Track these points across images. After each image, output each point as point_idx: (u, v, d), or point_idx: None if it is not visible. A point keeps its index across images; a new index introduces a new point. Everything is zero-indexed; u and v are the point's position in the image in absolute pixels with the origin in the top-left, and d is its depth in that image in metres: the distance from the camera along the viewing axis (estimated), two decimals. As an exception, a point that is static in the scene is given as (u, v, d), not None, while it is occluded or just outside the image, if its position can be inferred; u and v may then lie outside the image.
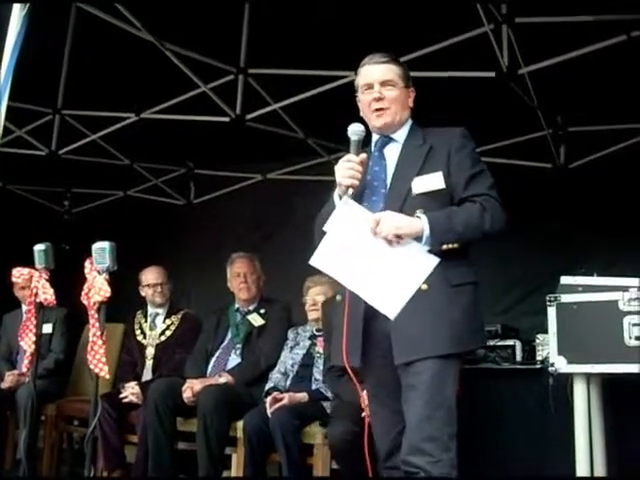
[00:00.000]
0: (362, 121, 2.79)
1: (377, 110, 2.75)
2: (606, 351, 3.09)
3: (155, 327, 5.11)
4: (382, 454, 2.81)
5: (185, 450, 4.47)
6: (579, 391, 3.21)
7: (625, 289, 3.09)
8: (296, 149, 5.76)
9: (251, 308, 4.82)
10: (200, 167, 6.57)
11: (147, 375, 4.95)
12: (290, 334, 4.58)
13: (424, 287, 2.54)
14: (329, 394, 4.15)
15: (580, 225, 5.06)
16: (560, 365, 3.17)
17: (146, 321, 5.16)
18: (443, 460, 2.50)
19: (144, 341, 5.09)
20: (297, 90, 4.75)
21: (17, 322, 4.79)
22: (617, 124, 4.92)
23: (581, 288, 3.21)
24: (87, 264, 3.46)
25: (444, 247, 2.56)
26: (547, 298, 3.24)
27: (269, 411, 4.03)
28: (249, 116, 4.89)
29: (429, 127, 2.83)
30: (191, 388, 4.38)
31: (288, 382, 4.37)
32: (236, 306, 4.86)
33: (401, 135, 2.80)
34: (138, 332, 5.15)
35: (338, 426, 3.76)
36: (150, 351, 5.03)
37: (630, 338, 3.04)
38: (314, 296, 4.45)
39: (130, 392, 4.70)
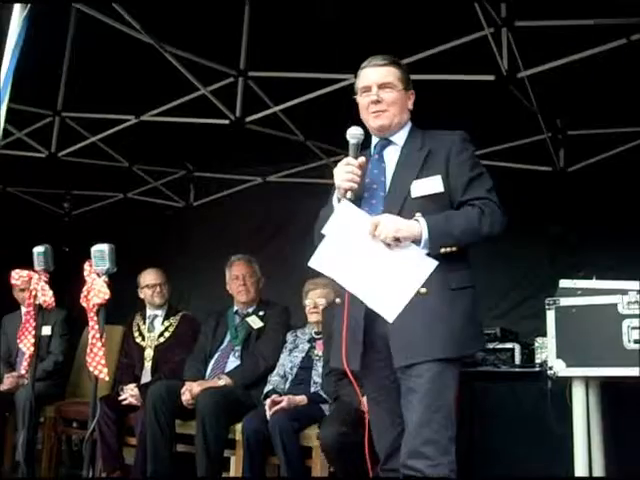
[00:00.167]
0: (362, 124, 2.79)
1: (374, 112, 2.76)
2: (605, 354, 3.08)
3: (154, 329, 5.11)
4: (381, 457, 2.81)
5: (184, 452, 4.47)
6: (578, 394, 3.20)
7: (624, 292, 3.09)
8: (296, 152, 5.77)
9: (250, 310, 4.82)
10: (200, 170, 6.58)
11: (146, 377, 4.95)
12: (289, 337, 4.58)
13: (423, 291, 2.55)
14: (328, 397, 4.15)
15: (579, 228, 5.07)
16: (559, 368, 3.17)
17: (144, 323, 5.16)
18: (442, 463, 2.50)
19: (143, 343, 5.09)
20: (297, 93, 4.76)
21: (16, 324, 4.79)
22: (616, 127, 4.93)
23: (580, 291, 3.21)
24: (86, 266, 3.45)
25: (442, 251, 2.56)
26: (546, 301, 3.23)
27: (268, 414, 4.03)
28: (249, 119, 4.90)
29: (429, 130, 2.84)
30: (190, 390, 4.38)
31: (287, 385, 4.37)
32: (235, 308, 4.86)
33: (400, 138, 2.81)
34: (137, 334, 5.15)
35: (329, 427, 3.78)
36: (149, 353, 5.03)
37: (629, 341, 3.03)
38: (315, 299, 4.44)
39: (129, 394, 4.70)
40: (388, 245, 2.54)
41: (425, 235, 2.54)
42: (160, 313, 5.17)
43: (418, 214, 2.57)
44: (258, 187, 6.44)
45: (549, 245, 5.17)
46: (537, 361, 4.39)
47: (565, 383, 3.27)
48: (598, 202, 5.06)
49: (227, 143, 5.54)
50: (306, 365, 4.38)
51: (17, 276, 4.28)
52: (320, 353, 4.35)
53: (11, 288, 5.28)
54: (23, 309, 5.14)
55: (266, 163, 6.27)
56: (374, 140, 2.85)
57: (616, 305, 3.09)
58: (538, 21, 3.98)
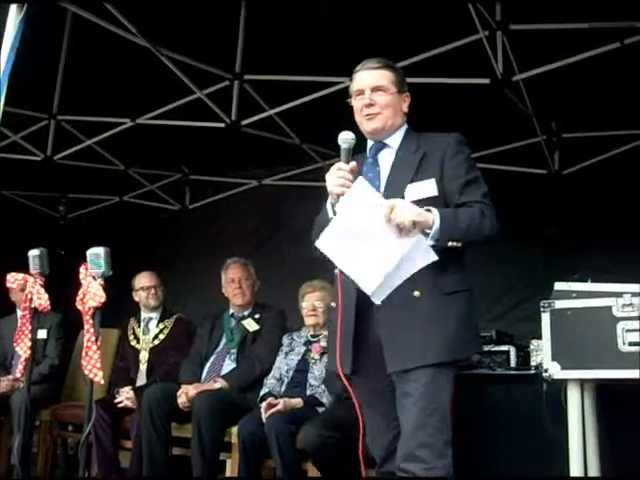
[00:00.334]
0: (358, 127, 2.80)
1: (368, 116, 2.76)
2: (600, 357, 3.09)
3: (148, 331, 5.11)
4: (377, 460, 2.82)
5: (179, 455, 4.46)
6: (573, 396, 3.21)
7: (619, 295, 3.09)
8: (291, 155, 5.78)
9: (246, 313, 4.82)
10: (195, 173, 6.58)
11: (141, 379, 4.94)
12: (285, 340, 4.58)
13: (416, 294, 2.54)
14: (324, 399, 4.15)
15: (574, 231, 5.08)
16: (554, 371, 3.17)
17: (139, 326, 5.16)
18: (437, 467, 2.51)
19: (138, 346, 5.09)
20: (292, 96, 4.77)
21: (12, 327, 4.79)
22: (611, 130, 4.95)
23: (575, 294, 3.21)
24: (82, 269, 3.46)
25: (450, 244, 2.53)
26: (541, 304, 3.24)
27: (264, 416, 4.03)
28: (244, 122, 4.91)
29: (425, 132, 2.84)
30: (186, 393, 4.38)
31: (283, 388, 4.37)
32: (231, 311, 4.86)
33: (395, 141, 2.81)
34: (131, 337, 5.15)
35: (309, 428, 3.81)
36: (144, 355, 5.03)
37: (624, 344, 3.04)
38: (313, 301, 4.44)
39: (125, 397, 4.70)
40: (400, 230, 2.45)
41: (437, 224, 2.49)
42: (155, 316, 5.17)
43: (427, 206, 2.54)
44: (254, 190, 6.44)
45: (544, 248, 5.18)
46: (532, 364, 4.40)
47: (560, 385, 3.27)
48: (593, 205, 5.07)
49: (223, 146, 5.55)
50: (302, 368, 4.37)
51: (12, 279, 4.28)
52: (316, 356, 4.35)
53: (6, 291, 5.27)
54: (19, 312, 5.16)
55: (262, 166, 6.27)
56: (369, 143, 2.85)
57: (611, 308, 3.10)
58: (533, 24, 3.99)
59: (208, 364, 4.68)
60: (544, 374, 3.22)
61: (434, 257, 2.46)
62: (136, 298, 5.20)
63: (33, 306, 3.91)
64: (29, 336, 3.94)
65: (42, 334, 5.22)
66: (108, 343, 5.23)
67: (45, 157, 5.45)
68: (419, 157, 2.71)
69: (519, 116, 4.64)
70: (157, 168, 6.41)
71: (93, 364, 3.38)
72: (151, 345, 5.04)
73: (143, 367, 4.99)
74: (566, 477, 3.21)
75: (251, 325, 4.73)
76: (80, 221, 7.04)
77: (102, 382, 3.56)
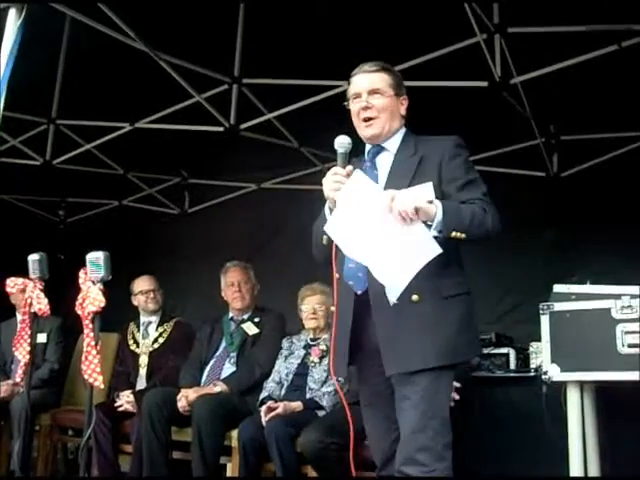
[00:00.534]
0: (356, 130, 2.80)
1: (365, 120, 2.75)
2: (599, 359, 3.09)
3: (148, 335, 5.11)
4: (378, 462, 2.82)
5: (180, 459, 4.46)
6: (572, 399, 3.21)
7: (618, 297, 3.10)
8: (290, 158, 5.78)
9: (245, 317, 4.82)
10: (194, 176, 6.58)
11: (141, 383, 4.94)
12: (284, 343, 4.58)
13: (415, 298, 2.53)
14: (324, 403, 4.15)
15: (573, 233, 5.08)
16: (553, 373, 3.18)
17: (139, 330, 5.16)
18: (437, 470, 2.50)
19: (137, 350, 5.09)
20: (291, 100, 4.77)
21: (11, 331, 4.80)
22: (609, 133, 4.95)
23: (574, 296, 3.22)
24: (81, 274, 3.46)
25: (453, 234, 2.48)
26: (540, 306, 3.24)
27: (264, 420, 4.03)
28: (243, 126, 4.91)
29: (423, 135, 2.84)
30: (186, 397, 4.38)
31: (283, 391, 4.37)
32: (230, 315, 4.86)
33: (393, 144, 2.80)
34: (131, 341, 5.15)
35: (309, 433, 3.81)
36: (144, 359, 5.03)
37: (623, 346, 3.04)
38: (314, 304, 4.44)
39: (125, 400, 4.70)
40: (403, 219, 2.43)
41: (439, 215, 2.46)
42: (154, 319, 5.17)
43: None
44: (253, 194, 6.44)
45: (543, 250, 5.18)
46: (532, 366, 4.42)
47: (560, 387, 3.28)
48: (592, 207, 5.07)
49: (221, 150, 5.56)
50: (302, 371, 4.37)
51: (12, 284, 4.28)
52: (316, 359, 4.36)
53: (6, 295, 5.26)
54: (19, 317, 5.16)
55: (260, 170, 6.27)
56: (367, 146, 2.84)
57: (610, 310, 3.10)
58: (531, 27, 4.00)
59: (208, 368, 4.68)
60: (543, 376, 3.22)
61: (438, 249, 2.44)
62: (135, 302, 5.21)
63: (33, 311, 3.91)
64: (28, 341, 3.94)
65: (42, 338, 5.22)
66: (108, 347, 5.24)
67: (44, 161, 5.46)
68: (417, 160, 2.70)
69: (517, 119, 4.64)
70: (156, 172, 6.40)
71: (93, 369, 3.37)
72: (151, 349, 5.04)
73: (143, 371, 4.99)
74: (566, 477, 3.22)
75: (251, 329, 4.73)
76: (79, 225, 7.03)
77: (102, 386, 3.56)
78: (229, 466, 4.29)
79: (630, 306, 3.06)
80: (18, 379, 4.53)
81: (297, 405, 4.15)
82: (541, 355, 3.35)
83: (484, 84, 4.21)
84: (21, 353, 3.98)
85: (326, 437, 3.69)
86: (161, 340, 5.07)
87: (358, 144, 2.76)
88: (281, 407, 4.07)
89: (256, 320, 4.77)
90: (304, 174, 6.01)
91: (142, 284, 5.19)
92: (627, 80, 4.27)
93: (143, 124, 5.17)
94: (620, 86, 4.35)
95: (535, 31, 3.99)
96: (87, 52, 4.39)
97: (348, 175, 2.60)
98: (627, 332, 3.05)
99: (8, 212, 6.45)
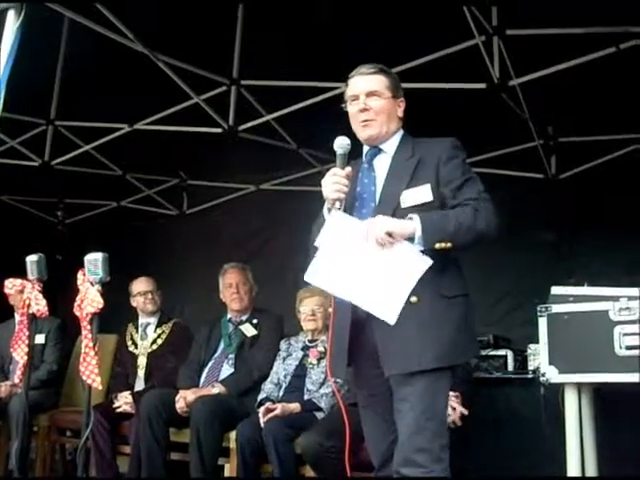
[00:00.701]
0: (354, 132, 2.81)
1: (363, 122, 2.75)
2: (597, 361, 3.09)
3: (146, 337, 5.11)
4: (375, 464, 2.82)
5: (178, 461, 4.47)
6: (570, 400, 3.21)
7: (616, 299, 3.09)
8: (289, 160, 5.78)
9: (243, 318, 4.82)
10: (193, 178, 6.57)
11: (139, 384, 4.94)
12: (283, 345, 4.58)
13: (414, 300, 2.53)
14: (322, 404, 4.15)
15: (571, 235, 5.09)
16: (551, 375, 3.18)
17: (137, 332, 5.16)
18: (435, 471, 2.50)
19: (135, 351, 5.09)
20: (289, 101, 4.77)
21: (9, 332, 4.79)
22: (608, 135, 4.95)
23: (572, 298, 3.21)
24: (80, 275, 3.46)
25: (437, 246, 2.50)
26: (538, 308, 3.24)
27: (262, 421, 4.04)
28: (242, 127, 4.91)
29: (421, 137, 2.84)
30: (184, 399, 4.38)
31: (281, 393, 4.37)
32: (228, 316, 4.87)
33: (391, 146, 2.80)
34: (129, 343, 5.15)
35: (309, 436, 3.81)
36: (142, 360, 5.03)
37: (621, 348, 3.04)
38: (312, 306, 4.44)
39: (124, 401, 4.70)
40: (382, 245, 2.49)
41: (418, 232, 2.49)
42: (153, 321, 5.17)
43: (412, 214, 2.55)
44: (251, 195, 6.44)
45: (541, 252, 5.18)
46: (530, 368, 4.41)
47: (558, 389, 3.28)
48: (590, 209, 5.08)
49: (220, 151, 5.55)
50: (300, 373, 4.38)
51: (10, 285, 4.29)
52: (314, 361, 4.36)
53: (4, 296, 5.26)
54: (17, 317, 5.15)
55: (259, 171, 6.27)
56: (365, 148, 2.85)
57: (608, 312, 3.10)
58: (529, 30, 4.00)
59: (206, 369, 4.68)
60: (541, 378, 3.22)
61: (428, 261, 2.48)
62: (134, 303, 5.21)
63: (31, 312, 3.91)
64: (26, 342, 3.95)
65: (40, 339, 5.21)
66: (106, 349, 5.23)
67: (43, 162, 5.46)
68: (414, 163, 2.71)
69: (516, 121, 4.64)
70: (155, 173, 6.40)
71: (91, 370, 3.38)
72: (149, 350, 5.04)
73: (141, 372, 4.99)
74: (565, 477, 3.22)
75: (249, 330, 4.73)
76: (78, 226, 7.04)
77: (100, 388, 3.56)
78: (227, 467, 4.29)
79: (628, 308, 3.06)
80: (16, 380, 4.52)
81: (295, 406, 4.15)
82: (539, 357, 3.35)
83: (482, 86, 4.21)
84: (19, 354, 3.99)
85: (327, 440, 3.68)
86: (160, 341, 5.07)
87: (356, 147, 2.76)
88: (279, 408, 4.07)
89: (254, 322, 4.77)
90: (303, 175, 6.01)
91: (140, 285, 5.19)
92: (625, 82, 4.27)
93: (142, 125, 5.17)
94: (618, 88, 4.35)
95: (533, 33, 3.99)
96: (86, 53, 4.38)
97: (347, 176, 2.62)
98: (625, 334, 3.05)
99: (7, 213, 6.46)
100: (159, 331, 5.11)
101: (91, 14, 3.85)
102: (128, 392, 4.79)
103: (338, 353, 2.70)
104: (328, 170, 2.68)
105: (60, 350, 5.50)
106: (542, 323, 3.23)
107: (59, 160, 5.50)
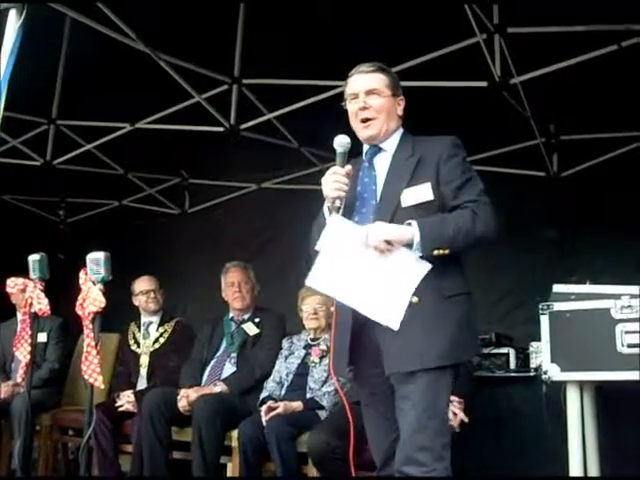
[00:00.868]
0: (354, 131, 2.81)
1: (363, 121, 2.75)
2: (599, 359, 3.09)
3: (149, 335, 5.11)
4: (378, 462, 2.82)
5: (180, 459, 4.47)
6: (572, 398, 3.21)
7: (617, 297, 3.09)
8: (290, 158, 5.78)
9: (246, 317, 4.82)
10: (195, 177, 6.58)
11: (142, 383, 4.95)
12: (285, 343, 4.58)
13: (415, 300, 2.54)
14: (324, 403, 4.15)
15: (573, 233, 5.09)
16: (553, 373, 3.18)
17: (139, 331, 5.16)
18: (436, 469, 2.51)
19: (138, 350, 5.09)
20: (291, 100, 4.77)
21: (11, 331, 4.80)
22: (609, 132, 4.95)
23: (574, 296, 3.21)
24: (82, 274, 3.46)
25: (435, 252, 2.53)
26: (540, 306, 3.24)
27: (264, 420, 4.04)
28: (243, 126, 4.92)
29: (421, 136, 2.84)
30: (186, 397, 4.38)
31: (283, 391, 4.37)
32: (230, 315, 4.87)
33: (391, 145, 2.80)
34: (132, 342, 5.15)
35: (316, 435, 3.80)
36: (144, 359, 5.03)
37: (623, 346, 3.04)
38: (315, 305, 4.44)
39: (126, 400, 4.71)
40: (381, 252, 2.52)
41: (417, 238, 2.51)
42: (155, 320, 5.17)
43: (410, 219, 2.57)
44: (253, 194, 6.45)
45: (543, 250, 5.18)
46: (532, 366, 4.42)
47: (560, 387, 3.28)
48: (591, 207, 5.08)
49: (222, 150, 5.56)
50: (302, 371, 4.38)
51: (13, 284, 4.29)
52: (316, 359, 4.36)
53: (6, 296, 5.27)
54: (19, 316, 5.16)
55: (261, 170, 6.27)
56: (365, 147, 2.84)
57: (609, 310, 3.10)
58: (530, 27, 4.00)
59: (208, 368, 4.68)
60: (543, 376, 3.22)
61: (428, 266, 2.51)
62: (136, 302, 5.21)
63: (33, 311, 3.92)
64: (29, 341, 3.96)
65: (42, 337, 5.23)
66: (108, 348, 5.24)
67: (44, 162, 5.47)
68: (414, 161, 2.70)
69: (517, 119, 4.64)
70: (156, 172, 6.41)
71: (93, 369, 3.38)
72: (151, 349, 5.04)
73: (143, 371, 5.00)
74: (566, 477, 3.22)
75: (251, 329, 4.74)
76: (80, 225, 7.04)
77: (102, 387, 3.57)
78: (229, 466, 4.29)
79: (630, 306, 3.06)
80: (19, 379, 4.52)
81: (297, 405, 4.15)
82: (541, 355, 3.35)
83: (484, 84, 4.21)
84: (22, 353, 3.99)
85: (333, 439, 3.66)
86: (162, 340, 5.07)
87: (356, 144, 2.76)
88: (281, 407, 4.07)
89: (256, 320, 4.77)
90: (304, 174, 6.01)
91: (142, 284, 5.19)
92: (627, 80, 4.27)
93: (143, 124, 5.17)
94: (620, 86, 4.35)
95: (535, 31, 3.99)
96: (87, 53, 4.38)
97: (347, 175, 2.62)
98: (627, 332, 3.05)
99: (8, 212, 6.46)
100: (161, 330, 5.11)
101: (93, 13, 3.85)
102: (130, 391, 4.79)
103: (340, 352, 2.70)
104: (329, 169, 2.68)
105: (62, 349, 5.50)
106: (544, 321, 3.23)
107: (61, 159, 5.51)
